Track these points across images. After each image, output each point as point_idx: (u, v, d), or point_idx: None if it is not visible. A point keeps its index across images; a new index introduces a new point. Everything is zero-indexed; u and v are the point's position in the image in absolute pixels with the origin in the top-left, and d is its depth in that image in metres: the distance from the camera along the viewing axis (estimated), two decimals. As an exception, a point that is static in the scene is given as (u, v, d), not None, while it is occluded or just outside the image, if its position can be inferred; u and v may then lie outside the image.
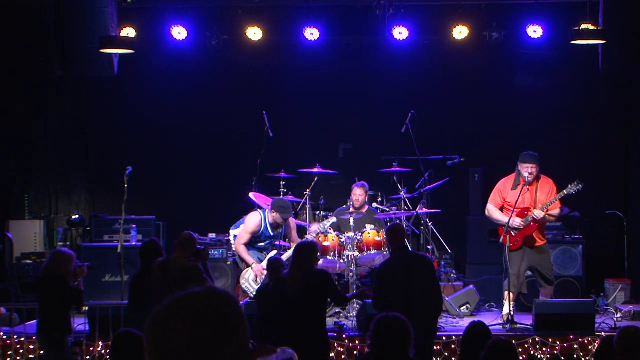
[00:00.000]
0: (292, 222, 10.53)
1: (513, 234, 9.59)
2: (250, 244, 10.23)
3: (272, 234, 10.24)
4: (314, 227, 10.28)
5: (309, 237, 10.18)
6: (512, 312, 9.40)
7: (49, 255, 8.33)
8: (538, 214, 9.51)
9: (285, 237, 10.48)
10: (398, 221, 9.83)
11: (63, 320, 7.89)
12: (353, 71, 12.89)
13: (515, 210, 9.52)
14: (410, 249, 8.33)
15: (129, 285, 8.23)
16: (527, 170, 9.55)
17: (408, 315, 5.38)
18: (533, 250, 9.75)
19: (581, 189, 9.39)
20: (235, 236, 10.41)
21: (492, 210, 9.81)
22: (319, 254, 8.05)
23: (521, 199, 9.55)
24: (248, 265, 10.10)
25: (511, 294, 9.49)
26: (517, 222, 9.54)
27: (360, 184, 10.90)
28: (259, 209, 10.45)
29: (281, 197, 10.76)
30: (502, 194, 9.73)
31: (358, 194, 10.78)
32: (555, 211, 9.69)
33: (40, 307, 8.04)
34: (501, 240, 9.64)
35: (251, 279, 10.07)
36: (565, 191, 9.47)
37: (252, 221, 10.21)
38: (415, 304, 7.27)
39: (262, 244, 10.31)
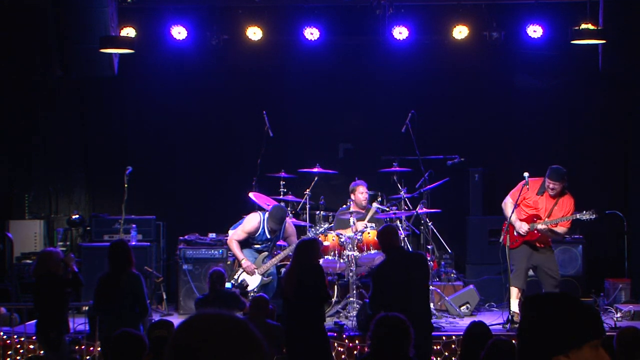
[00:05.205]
0: (291, 227, 10.45)
1: (515, 233, 9.61)
2: (247, 245, 10.18)
3: (268, 237, 10.16)
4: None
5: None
6: (517, 311, 9.41)
7: (36, 258, 8.39)
8: (540, 227, 9.54)
9: (285, 238, 10.45)
10: (390, 221, 9.88)
11: (59, 319, 7.89)
12: (353, 71, 12.88)
13: (523, 209, 9.63)
14: (405, 249, 8.34)
15: (97, 285, 7.96)
16: (549, 185, 9.57)
17: (406, 315, 5.39)
18: (536, 250, 9.75)
19: (593, 219, 9.42)
20: (233, 236, 10.36)
21: (509, 204, 9.77)
22: (319, 250, 8.04)
23: (539, 206, 9.63)
24: (238, 262, 10.05)
25: (516, 290, 9.50)
26: (523, 228, 9.55)
27: (363, 181, 10.90)
28: (259, 211, 10.38)
29: (280, 205, 10.39)
30: (523, 191, 9.64)
31: (364, 191, 10.77)
32: (562, 229, 9.69)
33: (36, 307, 8.05)
34: (501, 240, 9.65)
35: (244, 277, 10.00)
36: (577, 215, 9.47)
37: (251, 222, 10.14)
38: (413, 304, 7.28)
39: (259, 246, 10.20)
